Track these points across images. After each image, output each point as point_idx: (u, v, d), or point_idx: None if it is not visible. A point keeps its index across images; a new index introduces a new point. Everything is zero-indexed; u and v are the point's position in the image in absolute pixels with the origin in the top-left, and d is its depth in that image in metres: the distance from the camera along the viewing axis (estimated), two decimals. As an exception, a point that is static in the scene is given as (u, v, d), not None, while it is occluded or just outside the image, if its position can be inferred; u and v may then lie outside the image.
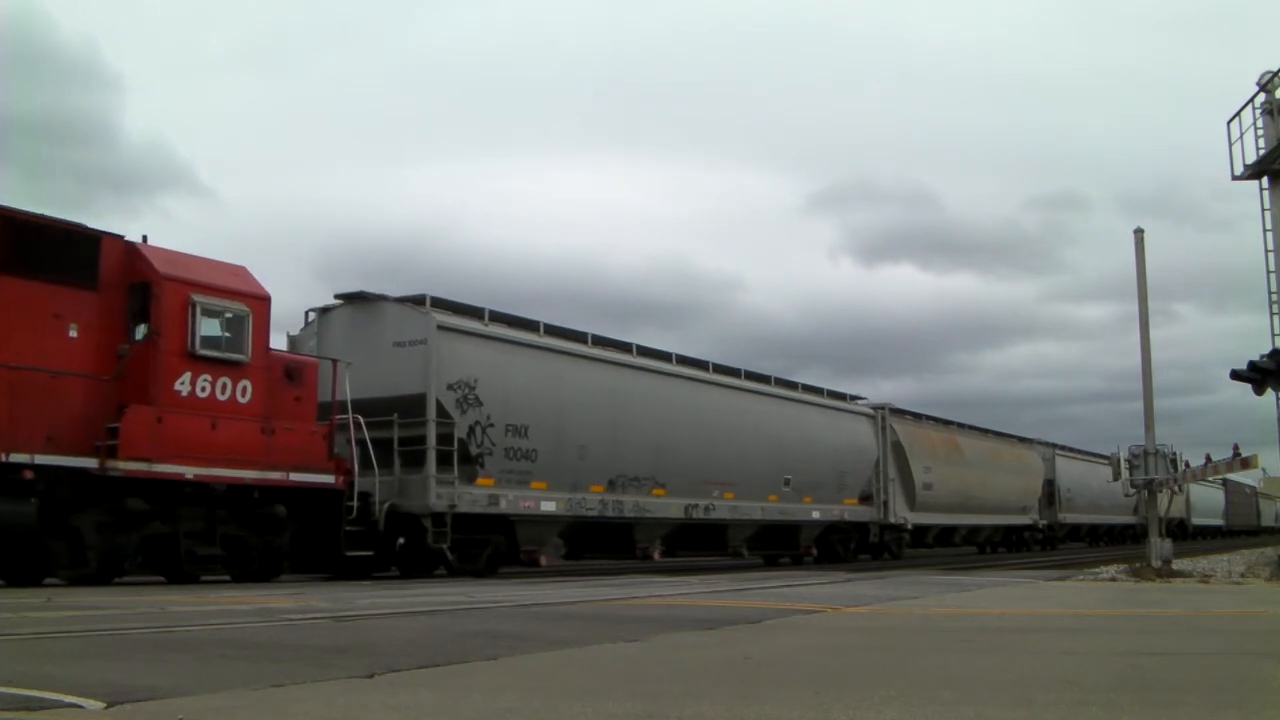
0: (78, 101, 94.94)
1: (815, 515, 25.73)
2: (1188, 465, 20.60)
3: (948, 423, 34.77)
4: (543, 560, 18.35)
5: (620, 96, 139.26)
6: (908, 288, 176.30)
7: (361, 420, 15.79)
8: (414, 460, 16.39)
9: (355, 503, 15.37)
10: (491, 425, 17.16)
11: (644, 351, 21.10)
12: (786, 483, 24.44)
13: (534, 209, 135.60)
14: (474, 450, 16.89)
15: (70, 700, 3.98)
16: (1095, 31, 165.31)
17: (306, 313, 17.82)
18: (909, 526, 29.99)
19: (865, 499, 28.12)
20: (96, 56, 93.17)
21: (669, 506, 20.79)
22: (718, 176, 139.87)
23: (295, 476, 14.71)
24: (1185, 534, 53.53)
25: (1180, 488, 25.91)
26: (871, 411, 29.08)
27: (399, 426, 16.35)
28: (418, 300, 16.99)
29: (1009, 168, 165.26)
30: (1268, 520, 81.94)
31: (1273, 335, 17.24)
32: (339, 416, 15.69)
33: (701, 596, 11.25)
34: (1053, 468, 41.51)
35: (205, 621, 7.51)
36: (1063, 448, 43.59)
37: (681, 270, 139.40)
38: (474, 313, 17.80)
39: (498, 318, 18.15)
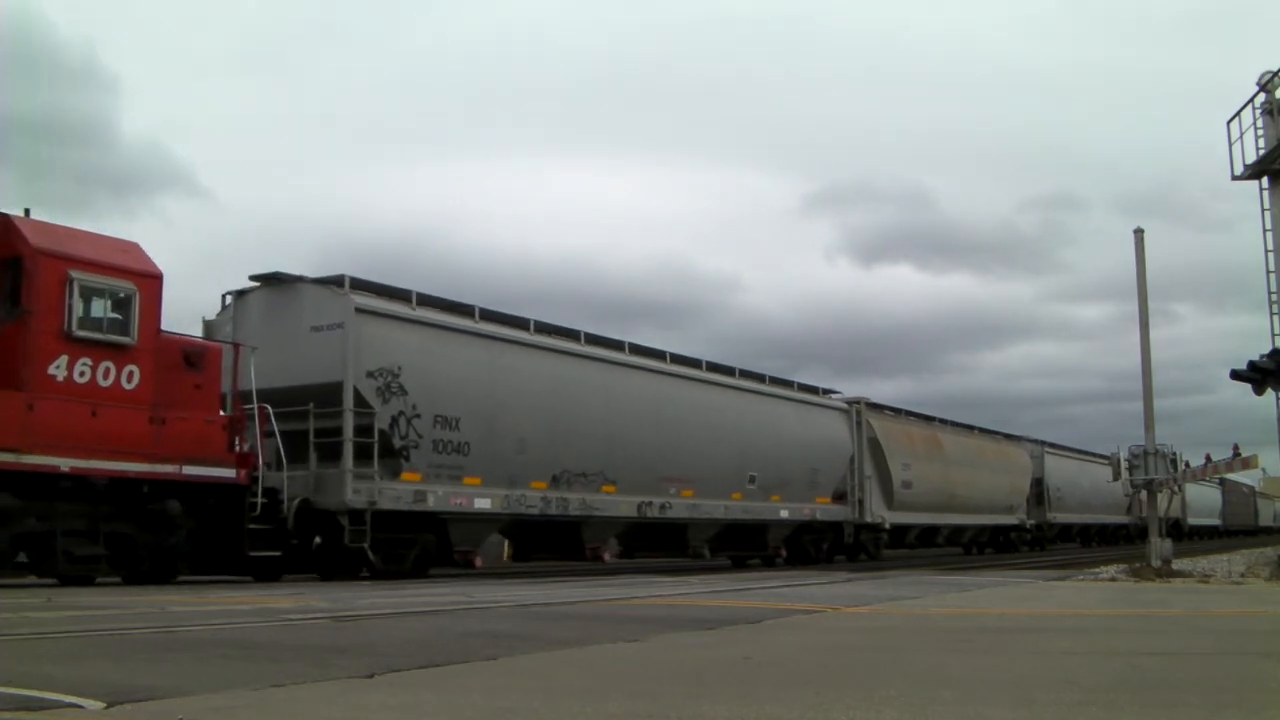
0: (76, 103, 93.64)
1: (784, 515, 24.48)
2: (1188, 465, 20.51)
3: (929, 418, 33.51)
4: (477, 561, 17.13)
5: (618, 97, 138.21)
6: (906, 288, 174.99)
7: (270, 410, 14.61)
8: (331, 453, 15.20)
9: (260, 499, 14.16)
10: (418, 416, 15.94)
11: (593, 339, 19.85)
12: (751, 480, 23.19)
13: (532, 209, 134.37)
14: (397, 443, 15.68)
15: (70, 700, 3.94)
16: (1094, 31, 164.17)
17: (223, 296, 16.63)
18: (887, 526, 28.72)
19: (839, 498, 26.86)
20: (95, 58, 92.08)
21: (619, 505, 19.54)
22: (715, 177, 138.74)
23: (189, 470, 13.49)
24: (1180, 534, 52.26)
25: (1179, 488, 25.55)
26: (846, 406, 27.79)
27: (315, 417, 15.18)
28: (336, 281, 15.77)
29: (1006, 168, 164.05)
30: (1266, 520, 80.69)
31: (1273, 335, 17.14)
32: (246, 406, 14.51)
33: (701, 596, 11.13)
34: (1041, 466, 40.23)
35: (205, 621, 7.45)
36: (1052, 445, 42.33)
37: (680, 270, 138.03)
38: (400, 295, 16.58)
39: (428, 301, 16.91)
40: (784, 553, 25.07)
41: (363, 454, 15.16)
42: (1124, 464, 18.85)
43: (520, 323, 18.41)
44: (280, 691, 4.31)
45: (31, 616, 7.65)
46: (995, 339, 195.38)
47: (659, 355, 21.56)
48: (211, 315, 16.58)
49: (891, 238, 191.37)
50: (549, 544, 19.53)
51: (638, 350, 20.95)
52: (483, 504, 16.89)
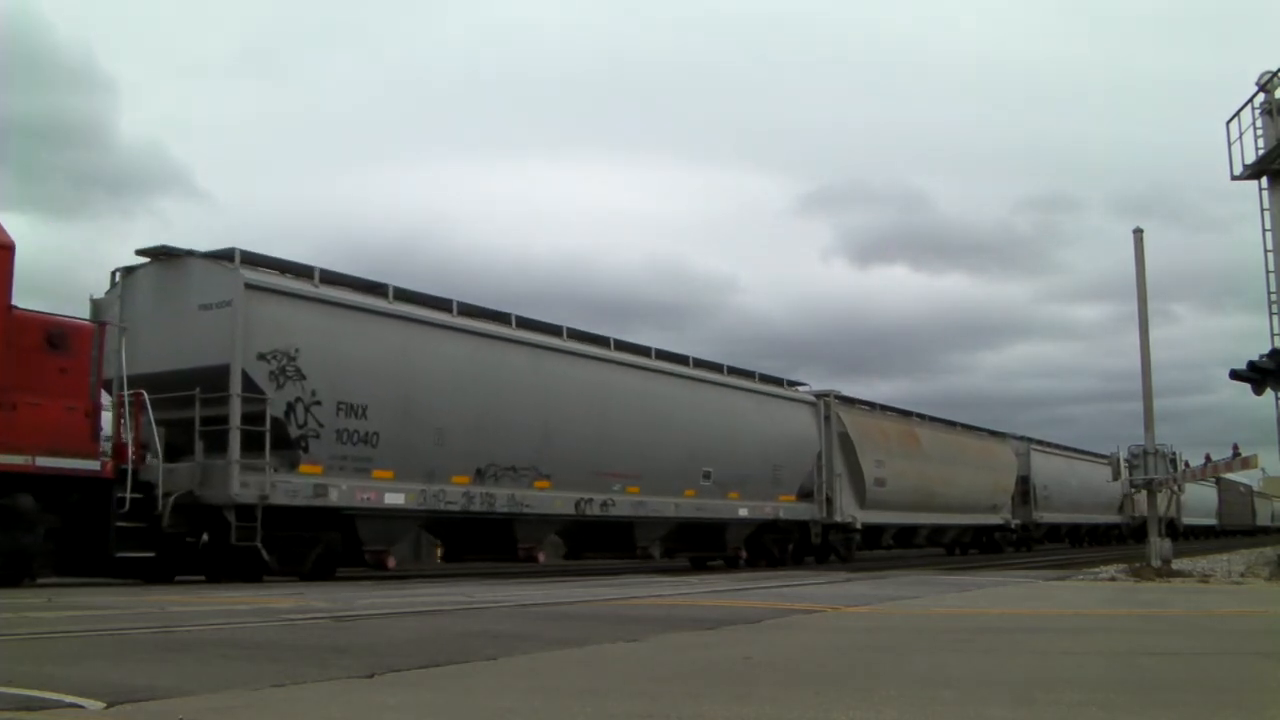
0: (73, 104, 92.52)
1: (743, 514, 23.08)
2: (1187, 465, 20.37)
3: (906, 413, 32.11)
4: (390, 562, 15.77)
5: (615, 97, 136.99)
6: (902, 288, 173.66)
7: (146, 396, 13.27)
8: (219, 443, 13.85)
9: (129, 494, 12.81)
10: (318, 403, 14.60)
11: (525, 323, 18.46)
12: (706, 476, 21.81)
13: (528, 210, 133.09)
14: (294, 432, 14.35)
15: (70, 700, 3.92)
16: (1091, 31, 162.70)
17: (112, 273, 15.30)
18: (858, 526, 27.31)
19: (806, 496, 25.44)
20: (93, 59, 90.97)
21: (555, 501, 18.18)
22: (712, 177, 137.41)
23: (44, 462, 12.15)
24: (1176, 534, 50.87)
25: (1180, 488, 24.97)
26: (813, 399, 26.37)
27: (200, 404, 13.83)
28: (227, 255, 14.42)
29: (1002, 168, 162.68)
30: (1263, 520, 79.24)
31: (1272, 335, 17.05)
32: (120, 392, 13.19)
33: (701, 596, 11.17)
34: (1028, 463, 38.82)
35: (205, 621, 7.44)
36: (1039, 442, 40.91)
37: (677, 271, 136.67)
38: (302, 272, 15.23)
39: (333, 279, 15.57)
40: (744, 554, 23.68)
41: (252, 444, 13.83)
42: (1123, 464, 18.82)
43: (442, 304, 17.03)
44: (280, 691, 4.29)
45: (31, 616, 7.62)
46: (993, 339, 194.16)
47: (602, 341, 20.19)
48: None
49: (887, 238, 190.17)
50: (479, 544, 18.16)
51: (577, 336, 19.57)
52: (395, 499, 15.54)
